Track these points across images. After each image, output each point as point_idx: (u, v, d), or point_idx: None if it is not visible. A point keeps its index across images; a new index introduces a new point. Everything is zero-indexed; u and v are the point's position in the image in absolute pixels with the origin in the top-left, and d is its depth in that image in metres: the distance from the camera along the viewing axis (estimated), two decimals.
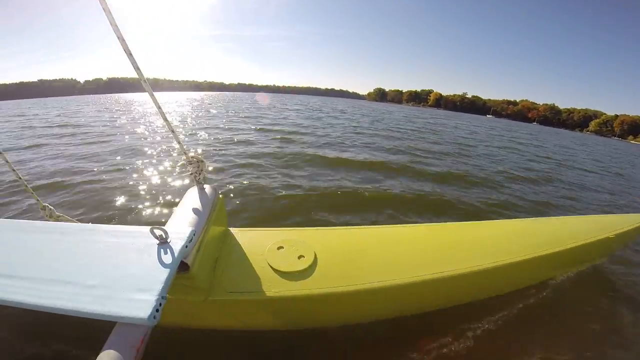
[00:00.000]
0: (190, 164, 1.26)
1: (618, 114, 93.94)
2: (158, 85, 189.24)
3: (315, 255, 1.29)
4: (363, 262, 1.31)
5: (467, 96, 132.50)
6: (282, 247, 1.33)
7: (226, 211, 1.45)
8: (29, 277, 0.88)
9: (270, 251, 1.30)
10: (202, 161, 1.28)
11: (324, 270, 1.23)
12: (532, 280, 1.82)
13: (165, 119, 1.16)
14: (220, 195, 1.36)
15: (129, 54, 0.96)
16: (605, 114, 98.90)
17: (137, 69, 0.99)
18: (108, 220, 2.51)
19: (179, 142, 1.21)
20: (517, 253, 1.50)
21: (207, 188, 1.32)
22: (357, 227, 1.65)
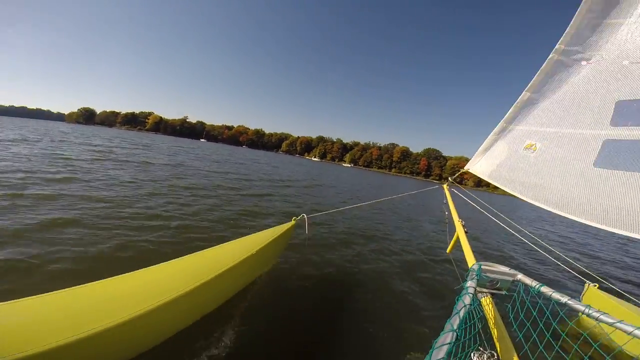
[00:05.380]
0: None
1: (299, 136, 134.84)
2: None
3: None
4: None
5: (188, 120, 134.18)
6: None
7: None
8: None
9: None
10: None
11: None
12: (204, 310, 1.98)
13: None
14: None
15: None
16: (292, 135, 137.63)
17: None
18: None
19: None
20: (175, 291, 1.65)
21: None
22: None
